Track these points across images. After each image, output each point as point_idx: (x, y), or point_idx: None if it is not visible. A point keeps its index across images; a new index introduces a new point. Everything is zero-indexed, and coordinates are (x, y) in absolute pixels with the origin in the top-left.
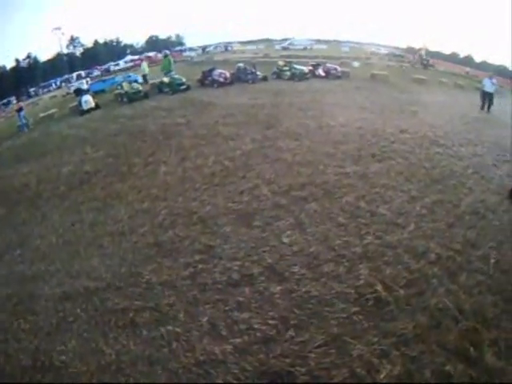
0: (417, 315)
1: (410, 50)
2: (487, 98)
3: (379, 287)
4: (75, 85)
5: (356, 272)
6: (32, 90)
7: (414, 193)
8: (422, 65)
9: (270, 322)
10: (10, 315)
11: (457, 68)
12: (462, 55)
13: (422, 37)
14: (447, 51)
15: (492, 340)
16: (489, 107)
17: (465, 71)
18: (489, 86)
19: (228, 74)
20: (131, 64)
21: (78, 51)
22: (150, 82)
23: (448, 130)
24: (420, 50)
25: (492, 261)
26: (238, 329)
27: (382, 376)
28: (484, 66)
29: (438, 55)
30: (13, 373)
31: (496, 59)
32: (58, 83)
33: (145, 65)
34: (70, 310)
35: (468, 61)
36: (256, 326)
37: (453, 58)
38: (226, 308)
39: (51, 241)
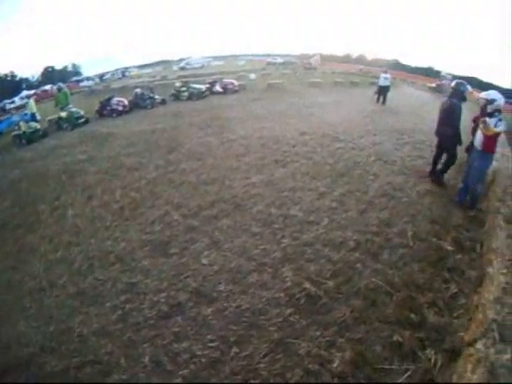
0: (351, 300)
1: (305, 57)
2: (383, 91)
3: (307, 284)
4: None
5: (281, 276)
6: None
7: (322, 189)
8: (304, 69)
9: (211, 344)
10: None
11: (351, 67)
12: (354, 56)
13: (314, 42)
14: (340, 53)
15: (430, 302)
16: (384, 100)
17: (358, 69)
18: (383, 80)
19: (126, 102)
20: (27, 100)
21: None
22: (48, 118)
23: (347, 125)
24: (314, 55)
25: (410, 234)
26: (182, 360)
27: (335, 365)
28: (376, 63)
29: (332, 58)
30: None
31: (388, 55)
32: None
33: (31, 103)
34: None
35: (361, 60)
36: (198, 353)
37: (347, 59)
38: (164, 342)
39: None
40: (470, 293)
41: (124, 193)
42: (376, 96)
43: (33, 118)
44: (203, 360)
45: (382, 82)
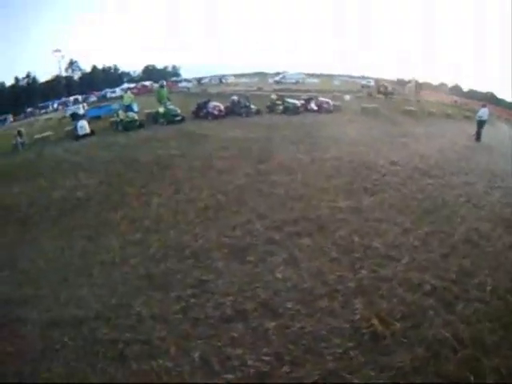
0: (414, 348)
1: (401, 82)
2: (479, 126)
3: (375, 321)
4: (72, 109)
5: (351, 306)
6: (29, 109)
7: (407, 225)
8: (380, 93)
9: (264, 358)
10: None
11: (446, 98)
12: (450, 85)
13: (411, 69)
14: (435, 82)
15: (493, 367)
16: (479, 135)
17: (453, 100)
18: (484, 114)
19: (222, 107)
20: (124, 92)
21: (77, 75)
22: (146, 111)
23: (438, 159)
24: (410, 81)
25: (488, 288)
26: (231, 365)
27: None
28: (471, 94)
29: (426, 86)
30: None
31: (482, 87)
32: (55, 105)
33: (127, 95)
34: (57, 337)
35: (456, 90)
36: (250, 363)
37: (441, 88)
38: (219, 343)
39: (40, 265)
40: None
41: (211, 193)
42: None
43: (131, 109)
44: (252, 371)
45: (483, 117)
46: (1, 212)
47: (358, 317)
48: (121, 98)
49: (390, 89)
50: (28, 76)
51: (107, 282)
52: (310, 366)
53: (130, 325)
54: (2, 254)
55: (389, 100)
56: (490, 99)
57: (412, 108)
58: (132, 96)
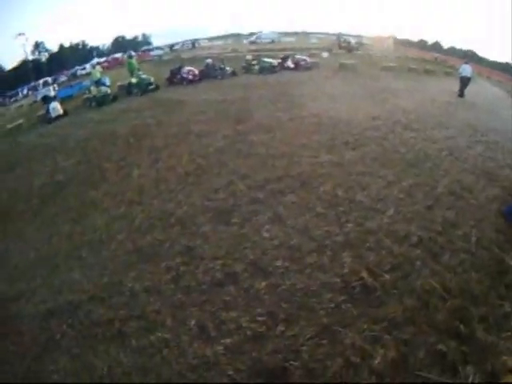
0: (404, 298)
1: (378, 39)
2: (464, 82)
3: (364, 274)
4: (42, 92)
5: (340, 261)
6: None
7: (391, 178)
8: (343, 48)
9: (259, 318)
10: None
11: (426, 54)
12: (430, 42)
13: (389, 25)
14: (415, 38)
15: (481, 316)
16: (462, 92)
17: (434, 57)
18: (467, 71)
19: (197, 71)
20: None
21: (44, 57)
22: (118, 84)
23: (420, 114)
24: (388, 38)
25: (473, 239)
26: (227, 329)
27: (376, 361)
28: (452, 52)
29: (407, 43)
30: None
31: (463, 45)
32: (25, 91)
33: (95, 71)
34: (56, 326)
35: (436, 47)
36: (245, 325)
37: (421, 45)
38: (213, 309)
39: (29, 256)
40: None
41: (190, 158)
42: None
43: (103, 83)
44: (248, 332)
45: (466, 73)
46: None
47: (347, 270)
48: (90, 74)
49: (352, 43)
50: None
51: (97, 262)
52: (304, 323)
53: (124, 302)
54: None
55: (352, 55)
56: (471, 57)
57: (391, 64)
58: (101, 70)
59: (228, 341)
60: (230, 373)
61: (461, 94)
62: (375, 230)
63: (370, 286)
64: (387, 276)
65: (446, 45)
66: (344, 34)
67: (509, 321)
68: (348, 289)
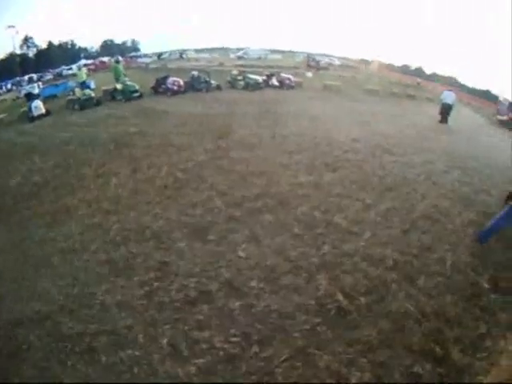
0: (380, 321)
1: (363, 62)
2: (446, 109)
3: (340, 297)
4: (26, 88)
5: (315, 282)
6: None
7: (369, 201)
8: (310, 67)
9: (233, 339)
10: None
11: (408, 79)
12: (413, 67)
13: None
14: (399, 63)
15: (456, 338)
16: (446, 119)
17: (416, 82)
18: (449, 98)
19: (182, 83)
20: (78, 70)
21: (32, 52)
22: (103, 88)
23: (400, 138)
24: (373, 62)
25: (449, 262)
26: (200, 348)
27: None
28: (434, 77)
29: (390, 67)
30: None
31: (445, 71)
32: (9, 86)
33: (82, 72)
34: (23, 337)
35: (419, 72)
36: (218, 345)
37: (404, 70)
38: (186, 327)
39: None
40: (498, 336)
41: (170, 171)
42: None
43: (87, 86)
44: (221, 353)
45: (448, 100)
46: None
47: (322, 292)
48: (75, 75)
49: (322, 63)
50: None
51: (68, 271)
52: (279, 345)
53: (95, 315)
54: None
55: (321, 74)
56: (452, 83)
57: (375, 87)
58: (87, 72)
59: (201, 361)
60: None
61: (442, 121)
62: (352, 252)
63: (345, 308)
64: (362, 299)
65: (428, 70)
66: (328, 55)
67: (484, 342)
68: (323, 311)
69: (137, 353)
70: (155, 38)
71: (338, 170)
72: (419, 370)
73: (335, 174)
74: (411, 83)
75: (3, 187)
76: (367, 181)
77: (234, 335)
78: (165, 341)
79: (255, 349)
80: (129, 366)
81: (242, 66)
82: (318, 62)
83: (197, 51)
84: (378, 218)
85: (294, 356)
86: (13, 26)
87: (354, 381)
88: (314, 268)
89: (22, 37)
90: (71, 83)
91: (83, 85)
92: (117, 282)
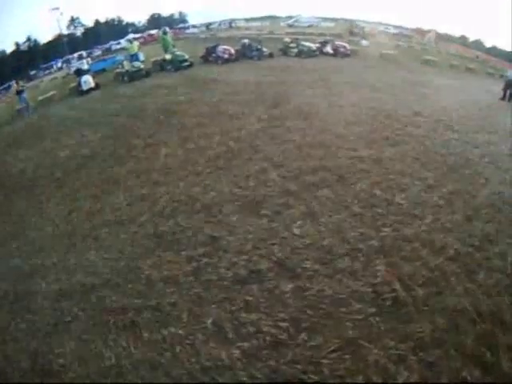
0: (435, 317)
1: (419, 31)
2: (509, 87)
3: (397, 286)
4: (76, 65)
5: (373, 268)
6: (32, 72)
7: (431, 181)
8: (353, 34)
9: (281, 324)
10: (7, 314)
11: (467, 51)
12: (471, 39)
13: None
14: (457, 34)
15: (508, 345)
16: (511, 97)
17: (475, 55)
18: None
19: (233, 51)
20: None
21: (79, 31)
22: (152, 59)
23: (462, 114)
24: (429, 31)
25: (510, 258)
26: (246, 332)
27: None
28: (494, 52)
29: (447, 38)
30: (12, 375)
31: (506, 45)
32: (59, 64)
33: (134, 44)
34: (67, 308)
35: (477, 45)
36: (265, 329)
37: (462, 42)
38: (233, 308)
39: (48, 232)
40: None
41: (221, 140)
42: (503, 92)
43: (137, 58)
44: (268, 338)
45: (508, 77)
46: (8, 180)
47: (380, 280)
48: (125, 49)
49: (367, 30)
50: (28, 40)
51: (115, 244)
52: (329, 334)
53: (140, 290)
54: (10, 225)
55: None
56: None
57: (433, 58)
58: (138, 45)
59: (245, 345)
60: (244, 379)
61: (504, 98)
62: (412, 237)
63: (401, 299)
64: (420, 291)
65: (487, 44)
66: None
67: None
68: (379, 300)
69: (180, 331)
70: (203, 9)
71: (399, 145)
72: (468, 377)
73: (396, 149)
74: (470, 56)
75: (54, 161)
76: (430, 159)
77: (283, 320)
78: (210, 321)
79: (304, 336)
80: (171, 345)
81: (293, 33)
82: (361, 28)
83: (247, 20)
84: (441, 201)
85: (344, 347)
86: (57, 8)
87: (401, 380)
88: (373, 252)
89: (68, 18)
90: (119, 57)
91: (135, 57)
92: (164, 256)
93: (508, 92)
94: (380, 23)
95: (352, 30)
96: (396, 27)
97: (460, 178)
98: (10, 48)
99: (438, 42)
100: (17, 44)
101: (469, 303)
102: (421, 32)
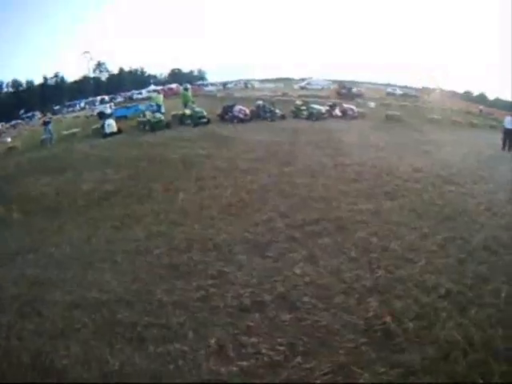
0: (425, 348)
1: (425, 90)
2: (508, 136)
3: (388, 319)
4: (99, 108)
5: (366, 304)
6: (57, 107)
7: (426, 230)
8: (342, 95)
9: (278, 347)
10: (15, 314)
11: (470, 106)
12: (475, 93)
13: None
14: (460, 90)
15: (503, 373)
16: (510, 146)
17: (479, 109)
18: (509, 123)
19: (248, 111)
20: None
21: (104, 76)
22: (172, 113)
23: (461, 168)
24: (435, 89)
25: (503, 295)
26: (246, 352)
27: None
28: (497, 103)
29: (452, 94)
30: (11, 370)
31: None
32: (83, 104)
33: (160, 96)
34: (77, 317)
35: (482, 98)
36: (264, 351)
37: (466, 96)
38: (236, 331)
39: (66, 250)
40: None
41: (235, 192)
42: (502, 142)
43: (158, 109)
44: (265, 359)
45: (508, 125)
46: (29, 202)
47: (372, 314)
48: (149, 98)
49: (353, 91)
50: (56, 76)
51: (131, 269)
52: (322, 359)
53: (151, 309)
54: (29, 239)
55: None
56: None
57: (436, 116)
58: (162, 97)
59: (244, 363)
60: None
61: (504, 147)
62: (405, 278)
63: (392, 331)
64: (411, 324)
65: (491, 96)
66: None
67: None
68: (370, 332)
69: (185, 347)
70: (220, 67)
71: (397, 199)
72: None
73: (394, 203)
74: (473, 111)
75: (76, 191)
76: (426, 209)
77: (281, 344)
78: (213, 340)
79: (299, 359)
80: (174, 358)
81: (305, 96)
82: (349, 90)
83: (261, 81)
84: (434, 247)
85: (336, 371)
86: (88, 52)
87: None
88: (366, 290)
89: (96, 62)
90: (142, 106)
91: (159, 108)
92: (176, 284)
93: (507, 141)
94: (388, 84)
95: (339, 91)
96: (402, 88)
97: (455, 226)
98: (37, 80)
99: (443, 99)
100: (45, 78)
101: (460, 336)
102: (426, 91)
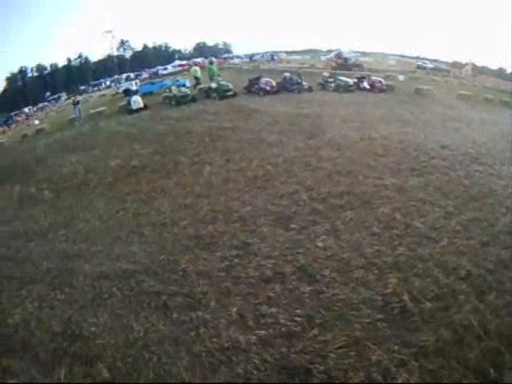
0: (440, 329)
1: (456, 65)
2: None
3: (406, 297)
4: (125, 85)
5: (385, 280)
6: (82, 87)
7: (451, 209)
8: (339, 66)
9: (296, 318)
10: (47, 286)
11: (503, 84)
12: (509, 71)
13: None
14: (494, 66)
15: None
16: None
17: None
18: None
19: (274, 83)
20: (179, 69)
21: (128, 54)
22: (198, 87)
23: (490, 147)
24: (466, 64)
25: None
26: (265, 322)
27: None
28: None
29: (484, 70)
30: (42, 337)
31: None
32: (108, 83)
33: (197, 69)
34: (106, 287)
35: None
36: (282, 321)
37: (499, 73)
38: (256, 301)
39: (95, 225)
40: None
41: (260, 164)
42: None
43: (183, 84)
44: (283, 329)
45: None
46: (59, 180)
47: (390, 291)
48: (174, 74)
49: (352, 61)
50: (80, 56)
51: (157, 241)
52: (338, 332)
53: (175, 279)
54: (59, 216)
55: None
56: None
57: (467, 92)
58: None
59: (262, 332)
60: (257, 361)
61: None
62: (426, 257)
63: (409, 310)
64: (428, 304)
65: None
66: (421, 58)
67: None
68: (387, 308)
69: (206, 316)
70: (246, 40)
71: (423, 175)
72: None
73: (420, 179)
74: (506, 88)
75: (105, 167)
76: (451, 188)
77: (299, 315)
78: (234, 309)
79: (315, 331)
80: (196, 326)
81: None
82: (345, 60)
83: (288, 53)
84: (458, 227)
85: (350, 345)
86: (110, 31)
87: (400, 381)
88: (387, 267)
89: (119, 40)
90: (167, 81)
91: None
92: (200, 254)
93: None
94: (418, 57)
95: (336, 61)
96: (433, 61)
97: (481, 207)
98: (61, 62)
99: (475, 75)
100: (68, 59)
101: (476, 320)
102: (458, 65)
